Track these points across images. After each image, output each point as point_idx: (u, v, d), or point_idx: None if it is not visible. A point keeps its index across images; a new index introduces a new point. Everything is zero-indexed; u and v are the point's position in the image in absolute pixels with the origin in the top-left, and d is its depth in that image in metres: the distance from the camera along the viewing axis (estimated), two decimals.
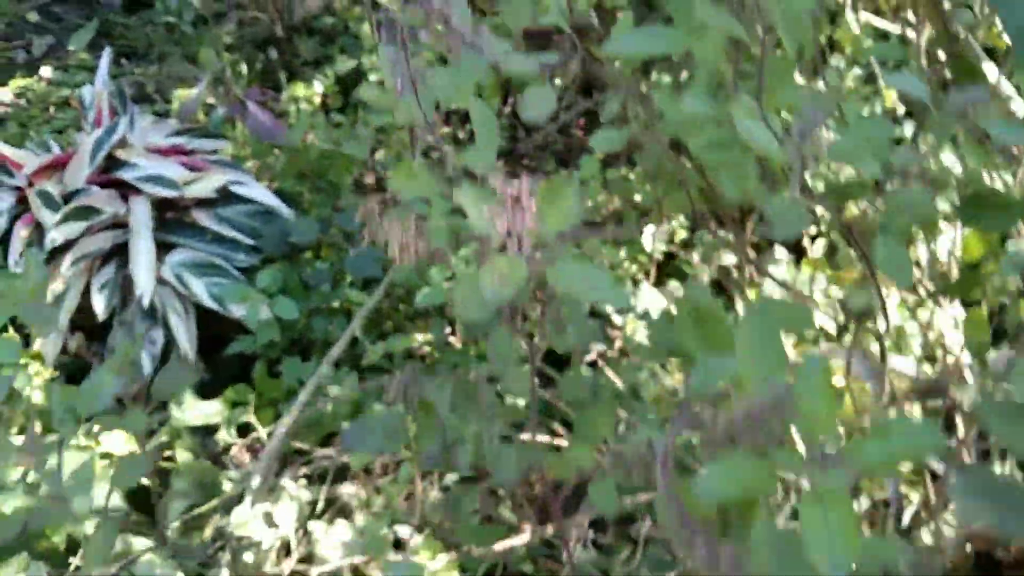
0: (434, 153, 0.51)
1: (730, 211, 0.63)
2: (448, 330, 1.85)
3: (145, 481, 1.39)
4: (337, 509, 1.28)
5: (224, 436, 1.39)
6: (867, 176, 0.50)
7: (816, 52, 0.80)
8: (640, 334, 1.74)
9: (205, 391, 1.73)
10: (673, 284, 1.96)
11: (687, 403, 0.41)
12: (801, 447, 0.38)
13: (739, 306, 1.75)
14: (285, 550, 1.14)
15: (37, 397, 1.40)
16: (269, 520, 1.12)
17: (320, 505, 1.25)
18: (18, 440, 1.40)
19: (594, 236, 1.70)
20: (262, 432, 1.44)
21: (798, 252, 1.89)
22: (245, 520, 1.11)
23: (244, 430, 1.65)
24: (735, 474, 0.38)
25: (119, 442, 1.31)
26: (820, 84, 0.79)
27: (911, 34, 0.93)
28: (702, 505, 0.43)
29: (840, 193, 0.50)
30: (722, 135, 0.50)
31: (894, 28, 1.07)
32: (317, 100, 2.26)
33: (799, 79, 0.76)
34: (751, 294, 1.86)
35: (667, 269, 1.98)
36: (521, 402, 0.61)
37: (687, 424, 0.40)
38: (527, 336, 0.52)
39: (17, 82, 2.46)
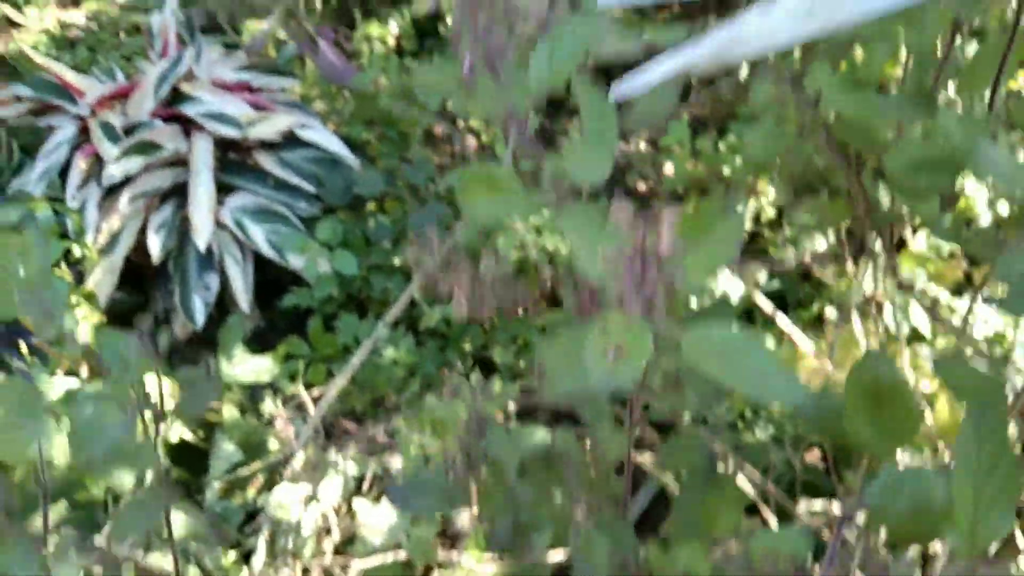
0: (524, 157, 0.40)
1: (887, 227, 0.51)
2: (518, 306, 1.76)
3: (189, 436, 1.34)
4: (385, 485, 1.21)
5: (270, 407, 1.32)
6: None
7: None
8: None
9: (259, 341, 1.68)
10: (754, 266, 1.83)
11: (853, 517, 0.30)
12: None
13: (830, 301, 1.61)
14: (326, 530, 1.07)
15: (86, 338, 1.35)
16: (309, 502, 1.05)
17: (368, 481, 1.18)
18: (66, 382, 1.36)
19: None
20: (308, 401, 1.37)
21: (897, 243, 1.74)
22: (285, 501, 1.04)
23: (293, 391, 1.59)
24: None
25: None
26: None
27: None
28: None
29: None
30: (933, 153, 0.38)
31: None
32: (391, 41, 2.15)
33: None
34: (842, 286, 1.72)
35: (750, 249, 1.85)
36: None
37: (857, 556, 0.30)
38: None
39: (90, 4, 2.40)
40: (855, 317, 1.13)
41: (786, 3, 0.36)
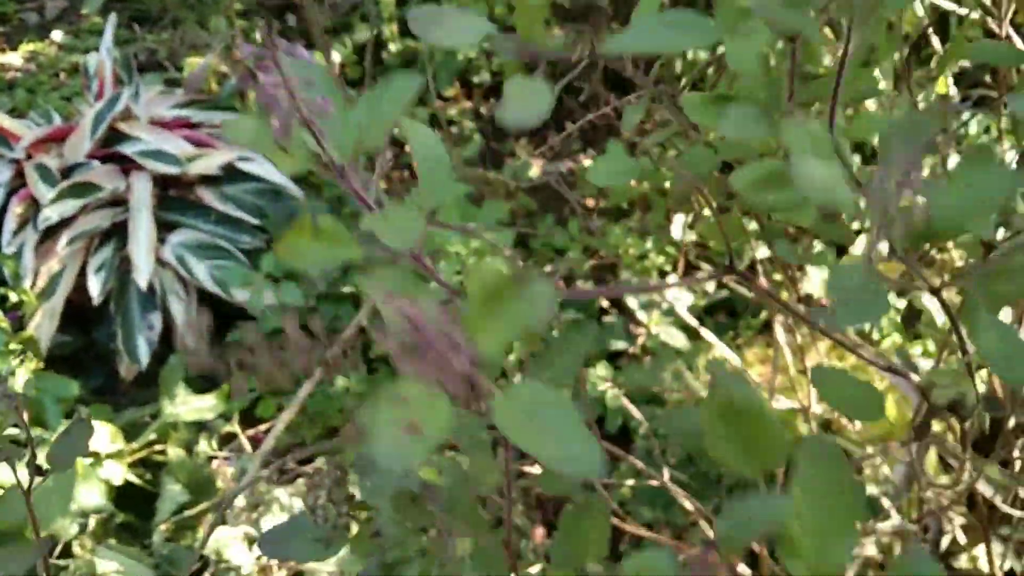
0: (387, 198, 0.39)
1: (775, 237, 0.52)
2: None
3: (134, 478, 1.32)
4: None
5: (205, 447, 1.30)
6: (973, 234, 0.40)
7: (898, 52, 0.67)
8: (666, 333, 1.63)
9: (206, 377, 1.66)
10: (702, 275, 1.85)
11: (711, 549, 0.30)
12: None
13: (776, 318, 1.63)
14: (269, 571, 1.06)
15: (25, 385, 1.32)
16: (251, 542, 1.04)
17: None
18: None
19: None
20: (243, 439, 1.36)
21: (839, 248, 1.77)
22: (224, 543, 1.03)
23: (246, 419, 1.58)
24: None
25: (105, 439, 1.24)
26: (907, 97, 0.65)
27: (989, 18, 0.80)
28: None
29: (921, 238, 0.39)
30: (776, 169, 0.39)
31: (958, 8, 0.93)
32: (334, 71, 2.15)
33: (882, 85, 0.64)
34: (784, 293, 1.74)
35: (697, 258, 1.86)
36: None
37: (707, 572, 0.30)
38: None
39: (27, 46, 2.38)
40: (780, 327, 1.14)
41: None
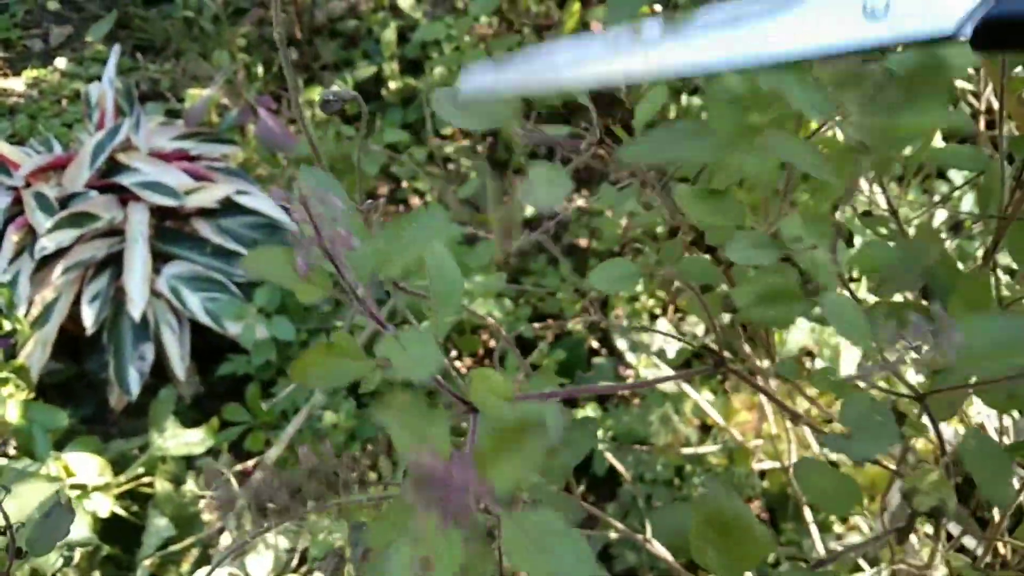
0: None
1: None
2: (455, 354, 1.77)
3: (120, 511, 1.32)
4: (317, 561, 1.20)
5: (192, 487, 1.31)
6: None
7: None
8: (654, 375, 1.65)
9: (196, 409, 1.66)
10: (693, 319, 1.86)
11: None
12: None
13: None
14: None
15: (12, 415, 1.33)
16: None
17: (298, 555, 1.17)
18: None
19: None
20: (230, 475, 1.36)
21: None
22: None
23: (235, 452, 1.58)
24: None
25: (92, 471, 1.24)
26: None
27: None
28: None
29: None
30: (778, 286, 0.41)
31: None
32: None
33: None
34: (776, 337, 1.75)
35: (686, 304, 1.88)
36: None
37: None
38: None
39: (31, 72, 2.41)
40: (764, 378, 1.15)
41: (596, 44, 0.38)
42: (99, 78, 1.99)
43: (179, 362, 1.59)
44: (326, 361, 0.36)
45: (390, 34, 2.22)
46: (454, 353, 1.79)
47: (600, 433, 1.59)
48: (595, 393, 1.68)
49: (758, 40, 0.36)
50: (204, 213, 1.71)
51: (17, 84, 2.37)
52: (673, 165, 0.54)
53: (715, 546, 0.35)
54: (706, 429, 1.61)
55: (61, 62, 2.42)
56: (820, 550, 1.10)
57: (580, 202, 2.12)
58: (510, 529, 0.28)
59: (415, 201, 2.12)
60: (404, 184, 2.09)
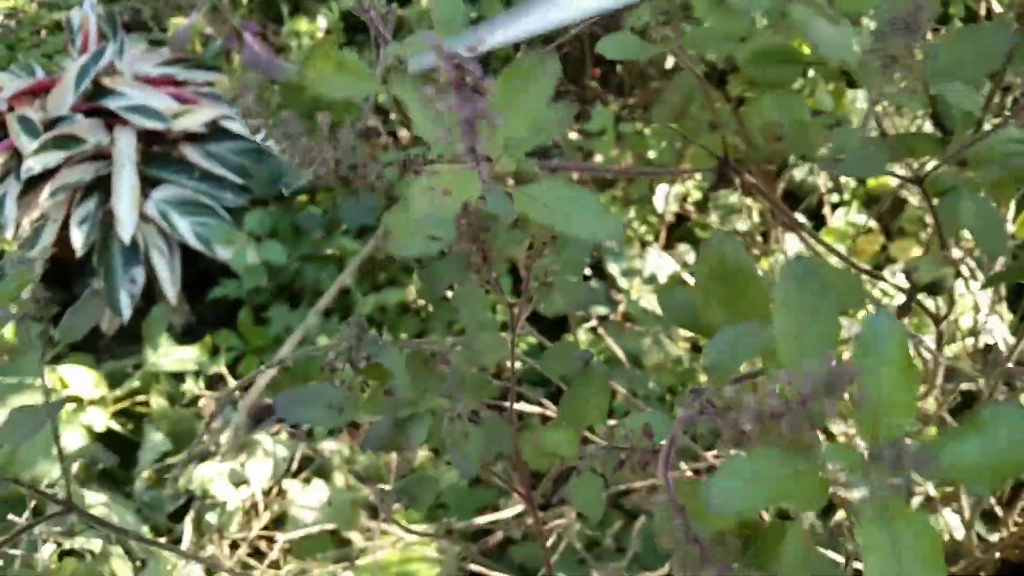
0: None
1: (763, 163, 0.54)
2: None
3: (116, 426, 1.32)
4: (316, 467, 1.21)
5: (192, 387, 1.31)
6: (965, 108, 0.41)
7: None
8: (646, 299, 1.66)
9: (188, 335, 1.66)
10: (683, 248, 1.87)
11: (702, 386, 0.32)
12: (860, 442, 0.28)
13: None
14: (256, 510, 1.07)
15: (6, 332, 1.32)
16: (235, 479, 1.05)
17: (297, 462, 1.18)
18: None
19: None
20: (232, 383, 1.36)
21: (816, 220, 1.80)
22: (210, 478, 1.03)
23: (224, 377, 1.58)
24: (764, 477, 0.29)
25: (88, 385, 1.24)
26: None
27: None
28: (717, 517, 0.34)
29: (913, 143, 0.41)
30: (775, 45, 0.41)
31: None
32: (320, 36, 2.15)
33: None
34: (764, 263, 1.77)
35: (678, 232, 1.89)
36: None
37: (701, 408, 0.32)
38: (501, 292, 0.42)
39: (7, 2, 2.35)
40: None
41: None
42: (78, 7, 1.95)
43: (170, 286, 1.58)
44: (337, 76, 0.36)
45: None
46: None
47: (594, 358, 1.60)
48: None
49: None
50: (191, 138, 1.69)
51: None
52: None
53: (720, 299, 0.35)
54: (697, 350, 1.62)
55: None
56: None
57: (573, 135, 2.11)
58: (523, 191, 0.29)
59: (403, 133, 2.10)
60: (392, 115, 2.07)
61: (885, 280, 0.54)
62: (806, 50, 0.43)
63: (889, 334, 0.28)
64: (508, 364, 0.42)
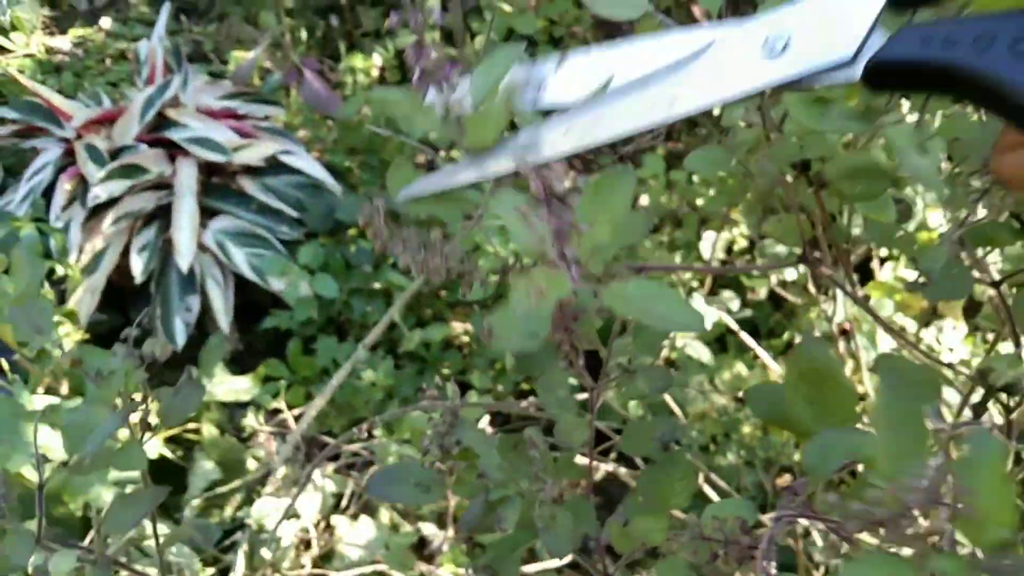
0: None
1: (839, 243, 0.55)
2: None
3: (168, 454, 1.35)
4: (363, 503, 1.22)
5: (252, 421, 1.33)
6: None
7: None
8: (691, 347, 1.66)
9: (237, 363, 1.69)
10: (727, 295, 1.88)
11: (798, 483, 0.33)
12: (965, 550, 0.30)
13: (800, 330, 1.65)
14: (305, 544, 1.09)
15: (67, 357, 1.36)
16: (289, 514, 1.07)
17: (346, 499, 1.19)
18: (44, 400, 1.36)
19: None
20: (289, 417, 1.39)
21: (863, 272, 1.79)
22: (265, 513, 1.05)
23: (275, 408, 1.61)
24: None
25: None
26: None
27: None
28: None
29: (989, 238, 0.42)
30: (864, 162, 0.42)
31: None
32: (375, 73, 2.20)
33: None
34: (812, 315, 1.76)
35: (723, 279, 1.89)
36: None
37: (798, 508, 0.33)
38: (587, 377, 0.44)
39: (76, 31, 2.44)
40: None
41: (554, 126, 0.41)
42: (143, 38, 2.02)
43: (223, 316, 1.62)
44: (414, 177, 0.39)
45: (433, 1, 2.23)
46: None
47: (633, 404, 1.60)
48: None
49: (668, 99, 0.38)
50: (250, 171, 1.74)
51: (63, 43, 2.40)
52: None
53: (808, 399, 0.36)
54: (740, 401, 1.62)
55: (106, 22, 2.45)
56: None
57: None
58: (610, 288, 0.31)
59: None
60: (440, 152, 2.10)
61: (961, 372, 0.54)
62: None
63: (991, 452, 0.29)
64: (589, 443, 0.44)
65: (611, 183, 0.37)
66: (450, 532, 1.27)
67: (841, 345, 1.71)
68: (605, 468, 0.84)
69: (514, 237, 0.35)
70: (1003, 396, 0.45)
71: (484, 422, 1.36)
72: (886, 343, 1.67)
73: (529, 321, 0.37)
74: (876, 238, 0.48)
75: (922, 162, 0.39)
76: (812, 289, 1.66)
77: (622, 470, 0.96)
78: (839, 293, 1.49)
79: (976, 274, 0.45)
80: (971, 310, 0.58)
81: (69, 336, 1.35)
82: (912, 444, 0.33)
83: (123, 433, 0.81)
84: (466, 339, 1.82)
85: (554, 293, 0.32)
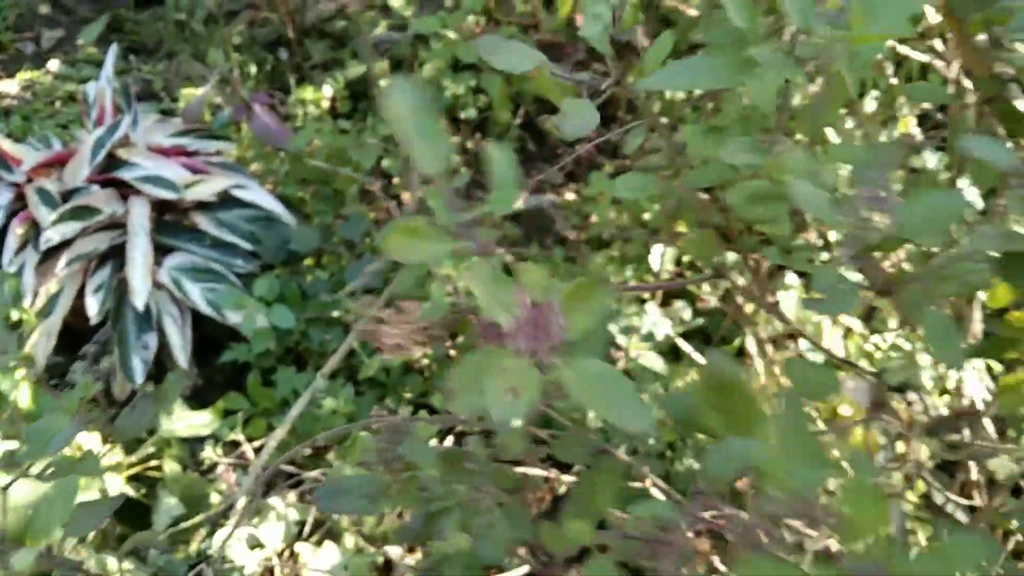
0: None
1: (750, 251, 0.59)
2: (448, 343, 1.82)
3: (130, 492, 1.35)
4: (326, 530, 1.24)
5: (210, 453, 1.35)
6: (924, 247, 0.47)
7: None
8: (644, 357, 1.70)
9: (197, 397, 1.70)
10: (679, 304, 1.92)
11: (702, 487, 0.37)
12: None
13: (748, 338, 1.70)
14: (270, 572, 1.10)
15: (24, 400, 1.36)
16: (252, 543, 1.08)
17: (309, 526, 1.21)
18: (4, 445, 1.36)
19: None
20: (248, 449, 1.40)
21: (806, 275, 1.85)
22: (228, 542, 1.07)
23: (235, 440, 1.62)
24: None
25: (102, 451, 1.27)
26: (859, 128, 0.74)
27: (941, 63, 0.89)
28: None
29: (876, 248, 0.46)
30: (763, 188, 0.46)
31: (921, 56, 1.03)
32: (326, 104, 2.23)
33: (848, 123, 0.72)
34: (760, 321, 1.81)
35: (675, 289, 1.94)
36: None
37: (702, 510, 0.36)
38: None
39: (24, 74, 2.44)
40: (754, 344, 1.21)
41: None
42: (92, 79, 2.03)
43: (181, 352, 1.63)
44: (414, 244, 0.42)
45: (381, 31, 2.27)
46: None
47: (592, 415, 1.64)
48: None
49: None
50: (202, 206, 1.76)
51: (11, 87, 2.40)
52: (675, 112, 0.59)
53: (716, 408, 0.40)
54: None
55: (54, 64, 2.45)
56: None
57: (569, 195, 2.18)
58: (571, 372, 0.34)
59: (407, 196, 2.16)
60: (395, 180, 2.13)
61: (861, 371, 0.58)
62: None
63: (864, 470, 0.34)
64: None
65: (588, 291, 0.40)
66: (418, 555, 1.29)
67: (791, 346, 1.76)
68: (539, 474, 0.87)
69: (483, 309, 0.38)
70: (896, 395, 0.49)
71: (450, 441, 1.38)
72: (836, 343, 1.73)
73: (501, 419, 0.38)
74: (773, 254, 0.52)
75: (812, 190, 0.43)
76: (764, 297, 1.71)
77: (564, 477, 0.99)
78: (783, 295, 1.54)
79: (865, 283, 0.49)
80: (868, 315, 0.63)
81: (25, 380, 1.36)
82: (803, 461, 0.37)
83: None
84: (426, 362, 1.84)
85: (528, 394, 0.35)
